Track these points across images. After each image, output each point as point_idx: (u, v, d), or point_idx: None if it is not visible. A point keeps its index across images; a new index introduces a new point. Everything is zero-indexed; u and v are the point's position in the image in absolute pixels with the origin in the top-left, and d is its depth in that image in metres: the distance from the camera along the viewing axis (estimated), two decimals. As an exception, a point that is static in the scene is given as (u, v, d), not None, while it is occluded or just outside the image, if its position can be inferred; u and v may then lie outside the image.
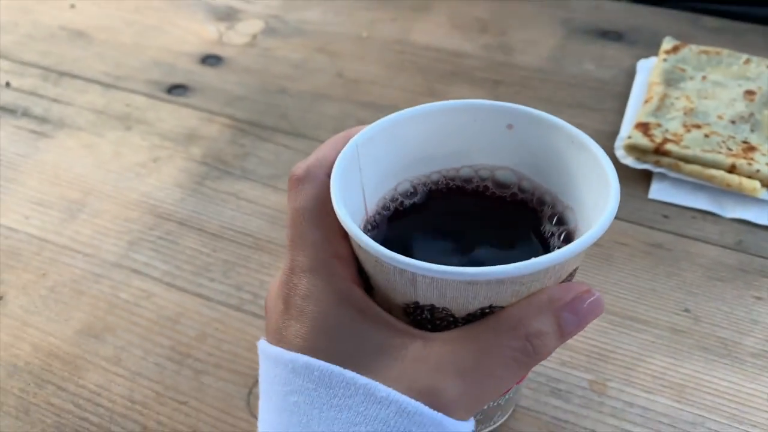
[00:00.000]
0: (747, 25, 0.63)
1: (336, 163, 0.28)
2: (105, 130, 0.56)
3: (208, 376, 0.38)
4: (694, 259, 0.43)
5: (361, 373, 0.24)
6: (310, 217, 0.27)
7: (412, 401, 0.23)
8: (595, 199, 0.27)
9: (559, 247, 0.28)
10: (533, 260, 0.23)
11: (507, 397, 0.32)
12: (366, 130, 0.29)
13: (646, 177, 0.49)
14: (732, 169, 0.46)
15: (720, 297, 0.41)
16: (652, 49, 0.60)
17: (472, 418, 0.25)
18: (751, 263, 0.43)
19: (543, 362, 0.37)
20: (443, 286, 0.24)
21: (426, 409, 0.23)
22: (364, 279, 0.28)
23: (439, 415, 0.23)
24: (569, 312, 0.24)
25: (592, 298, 0.25)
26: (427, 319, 0.26)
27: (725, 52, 0.57)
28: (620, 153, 0.49)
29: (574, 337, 0.39)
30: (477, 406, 0.25)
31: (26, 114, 0.58)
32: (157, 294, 0.43)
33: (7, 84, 0.61)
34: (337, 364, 0.24)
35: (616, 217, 0.45)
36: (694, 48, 0.58)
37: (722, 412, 0.36)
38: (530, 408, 0.36)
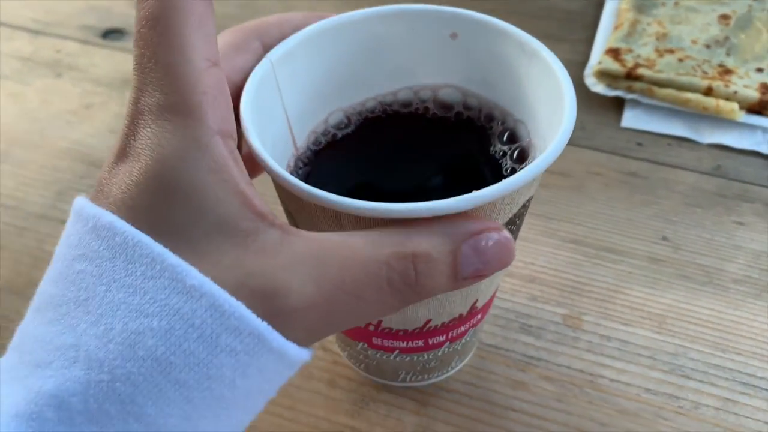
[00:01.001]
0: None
1: (248, 81, 0.23)
2: (32, 78, 0.51)
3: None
4: (671, 186, 0.40)
5: (184, 253, 0.18)
6: (164, 29, 0.19)
7: (232, 299, 0.17)
8: (549, 114, 0.23)
9: (512, 169, 0.25)
10: (474, 193, 0.19)
11: (464, 340, 0.29)
12: (282, 44, 0.24)
13: (618, 104, 0.45)
14: (708, 92, 0.43)
15: (700, 224, 0.38)
16: (621, -21, 0.57)
17: (311, 348, 0.20)
18: (730, 188, 0.40)
19: (510, 297, 0.35)
20: (371, 225, 0.20)
21: (248, 313, 0.17)
22: (287, 217, 0.23)
23: (263, 325, 0.17)
24: (470, 246, 0.19)
25: (500, 237, 0.19)
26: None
27: (698, -23, 0.54)
28: (590, 81, 0.46)
29: (545, 269, 0.36)
30: (325, 328, 0.19)
31: (-55, 64, 0.53)
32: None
33: (-76, 34, 0.56)
34: (158, 234, 0.18)
35: (587, 147, 0.41)
36: (666, -26, 0.54)
37: (705, 341, 0.33)
38: (498, 346, 0.33)
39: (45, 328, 0.18)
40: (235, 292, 0.17)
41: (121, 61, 0.52)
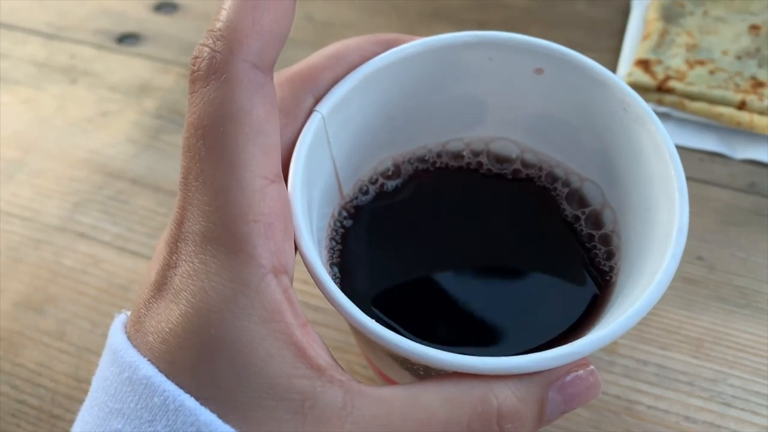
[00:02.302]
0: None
1: (297, 147, 0.20)
2: (47, 84, 0.50)
3: (165, 348, 0.33)
4: (705, 203, 0.39)
5: (233, 420, 0.15)
6: (212, 144, 0.16)
7: None
8: (642, 180, 0.20)
9: (590, 235, 0.22)
10: (564, 349, 0.17)
11: None
12: (334, 92, 0.21)
13: (648, 118, 0.44)
14: (742, 106, 0.42)
15: (735, 243, 0.37)
16: (645, -14, 0.56)
17: None
18: (766, 206, 0.39)
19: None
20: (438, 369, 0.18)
21: None
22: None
23: None
24: (556, 390, 0.17)
25: (587, 375, 0.17)
26: (421, 367, 0.20)
27: (726, -15, 0.53)
28: (619, 93, 0.45)
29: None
30: None
31: (-42, 68, 0.52)
32: (107, 259, 0.38)
33: (-63, 37, 0.55)
34: (202, 397, 0.15)
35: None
36: (693, -18, 0.53)
37: (745, 366, 0.32)
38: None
39: None
40: None
41: (137, 67, 0.51)
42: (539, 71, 0.22)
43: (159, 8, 0.57)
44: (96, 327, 0.35)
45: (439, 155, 0.25)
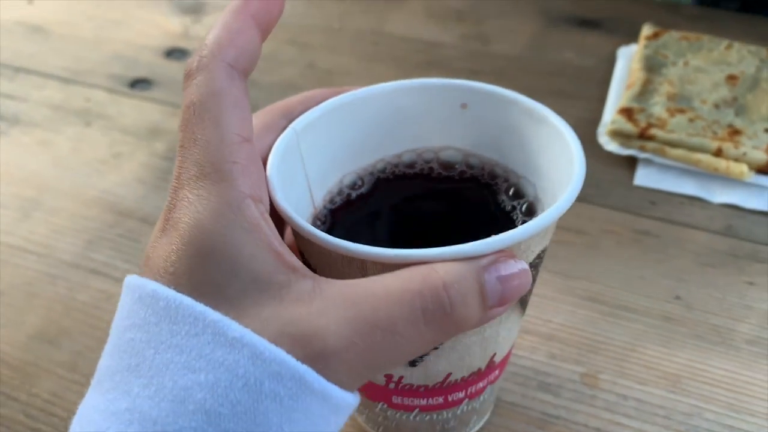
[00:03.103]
0: (725, 12, 0.63)
1: (273, 149, 0.25)
2: (63, 126, 0.53)
3: (172, 380, 0.35)
4: (684, 245, 0.42)
5: (225, 310, 0.19)
6: (201, 112, 0.21)
7: (272, 346, 0.18)
8: (559, 174, 0.25)
9: (524, 221, 0.27)
10: (493, 238, 0.21)
11: (482, 398, 0.30)
12: (306, 116, 0.27)
13: (631, 163, 0.47)
14: (718, 153, 0.45)
15: (712, 283, 0.39)
16: (631, 37, 0.59)
17: (357, 393, 0.21)
18: (741, 248, 0.41)
19: (530, 355, 0.36)
20: (396, 269, 0.21)
21: (288, 358, 0.18)
22: (311, 269, 0.25)
23: (304, 368, 0.18)
24: (491, 274, 0.20)
25: (516, 264, 0.21)
26: None
27: (705, 37, 0.56)
28: (604, 139, 0.48)
29: (564, 328, 0.37)
30: (367, 369, 0.20)
31: (-22, 111, 0.55)
32: (118, 295, 0.39)
33: (-41, 80, 0.58)
34: (198, 296, 0.19)
35: (602, 204, 0.43)
36: (675, 34, 0.56)
37: (719, 401, 0.34)
38: (517, 403, 0.34)
39: (102, 397, 0.19)
40: (275, 341, 0.18)
41: (148, 111, 0.54)
42: (464, 106, 0.28)
43: (169, 54, 0.60)
44: (106, 359, 0.37)
45: (396, 165, 0.30)
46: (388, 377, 0.27)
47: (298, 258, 0.21)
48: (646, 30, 0.57)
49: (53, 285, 0.41)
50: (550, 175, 0.26)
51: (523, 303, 0.27)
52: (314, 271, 0.24)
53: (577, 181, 0.23)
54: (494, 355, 0.27)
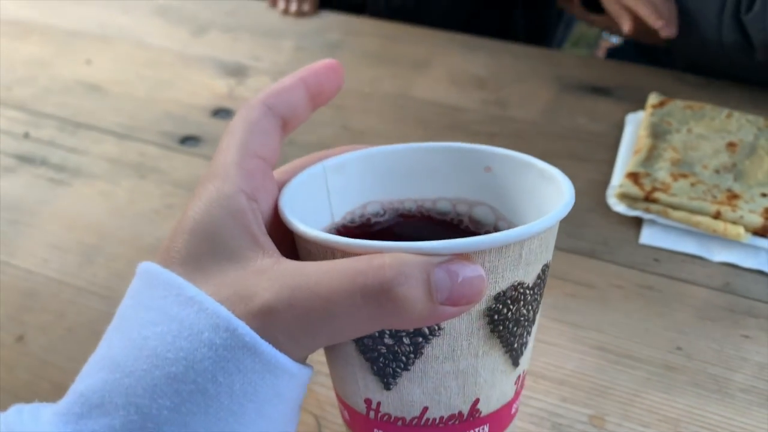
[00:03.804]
0: (727, 81, 0.68)
1: (297, 175, 0.28)
2: (120, 178, 0.58)
3: (221, 412, 0.40)
4: (685, 300, 0.46)
5: (195, 277, 0.22)
6: (229, 133, 0.25)
7: (215, 303, 0.21)
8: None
9: None
10: (452, 240, 0.21)
11: None
12: (339, 157, 0.29)
13: (637, 223, 0.51)
14: (717, 216, 0.49)
15: (710, 336, 0.43)
16: (639, 103, 0.64)
17: (308, 366, 0.23)
18: (738, 304, 0.45)
19: (544, 397, 0.39)
20: None
21: (224, 312, 0.21)
22: None
23: (237, 321, 0.21)
24: (442, 269, 0.21)
25: (472, 267, 0.21)
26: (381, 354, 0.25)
27: (708, 106, 0.61)
28: (612, 201, 0.52)
29: (575, 373, 0.41)
30: (304, 336, 0.22)
31: (44, 163, 0.60)
32: (172, 334, 0.44)
33: (26, 135, 0.64)
34: (178, 266, 0.23)
35: (610, 261, 0.46)
36: (679, 103, 0.61)
37: (716, 445, 0.37)
38: (533, 442, 0.37)
39: (95, 352, 0.24)
40: (225, 300, 0.22)
41: (197, 166, 0.59)
42: (488, 169, 0.30)
43: (216, 114, 0.66)
44: (162, 392, 0.41)
45: (427, 210, 0.31)
46: (368, 402, 0.27)
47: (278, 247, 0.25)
48: (653, 99, 0.62)
49: (114, 324, 0.45)
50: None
51: (506, 343, 0.26)
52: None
53: (559, 210, 0.24)
54: (477, 401, 0.26)
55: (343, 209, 0.30)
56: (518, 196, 0.30)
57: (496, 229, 0.30)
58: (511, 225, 0.30)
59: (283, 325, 0.21)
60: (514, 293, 0.24)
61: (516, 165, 0.30)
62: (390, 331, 0.23)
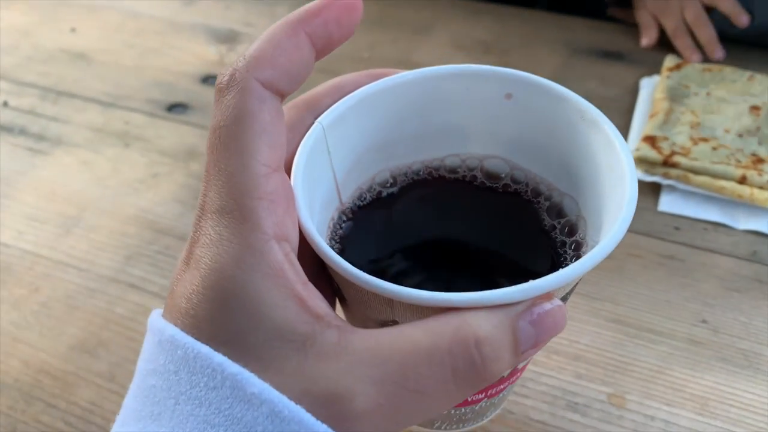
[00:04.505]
0: (745, 44, 0.64)
1: (299, 152, 0.23)
2: (103, 147, 0.55)
3: (206, 391, 0.36)
4: (709, 270, 0.42)
5: (246, 362, 0.18)
6: (227, 139, 0.19)
7: (291, 404, 0.17)
8: (606, 189, 0.23)
9: (562, 242, 0.25)
10: (533, 283, 0.19)
11: (501, 395, 0.29)
12: (333, 109, 0.24)
13: (656, 189, 0.48)
14: (742, 180, 0.46)
15: (737, 308, 0.40)
16: (653, 68, 0.60)
17: None
18: (767, 274, 0.42)
19: (557, 374, 0.36)
20: (426, 311, 0.20)
21: (308, 417, 0.17)
22: (335, 289, 0.23)
23: (324, 428, 0.17)
24: (526, 320, 0.19)
25: (552, 306, 0.19)
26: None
27: (728, 69, 0.57)
28: (628, 166, 0.48)
29: (590, 348, 0.38)
30: (392, 427, 0.18)
31: (23, 132, 0.57)
32: (155, 308, 0.41)
33: (5, 103, 0.60)
34: (217, 345, 0.18)
35: (627, 230, 0.42)
36: (697, 65, 0.58)
37: (747, 425, 0.34)
38: (546, 422, 0.34)
39: None
40: (299, 399, 0.17)
41: (185, 134, 0.56)
42: (509, 96, 0.25)
43: (206, 81, 0.63)
44: (143, 370, 0.38)
45: (437, 169, 0.28)
46: None
47: (317, 281, 0.21)
48: (669, 61, 0.59)
49: (93, 298, 0.42)
50: (597, 188, 0.24)
51: None
52: (340, 290, 0.23)
53: (627, 215, 0.21)
54: None
55: (350, 180, 0.26)
56: (544, 134, 0.25)
57: (513, 180, 0.27)
58: (528, 175, 0.27)
59: (372, 425, 0.18)
60: (572, 289, 0.23)
61: (545, 95, 0.25)
62: None
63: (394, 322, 0.21)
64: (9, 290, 0.43)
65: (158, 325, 0.19)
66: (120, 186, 0.51)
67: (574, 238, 0.25)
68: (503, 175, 0.27)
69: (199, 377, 0.18)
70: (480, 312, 0.19)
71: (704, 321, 0.39)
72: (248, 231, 0.19)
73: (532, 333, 0.19)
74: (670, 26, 0.62)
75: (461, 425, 0.31)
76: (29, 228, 0.47)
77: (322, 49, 0.21)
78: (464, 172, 0.27)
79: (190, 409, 0.18)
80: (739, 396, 0.35)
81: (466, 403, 0.28)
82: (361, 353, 0.18)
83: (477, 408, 0.29)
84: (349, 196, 0.26)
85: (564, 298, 0.23)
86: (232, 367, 0.18)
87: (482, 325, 0.18)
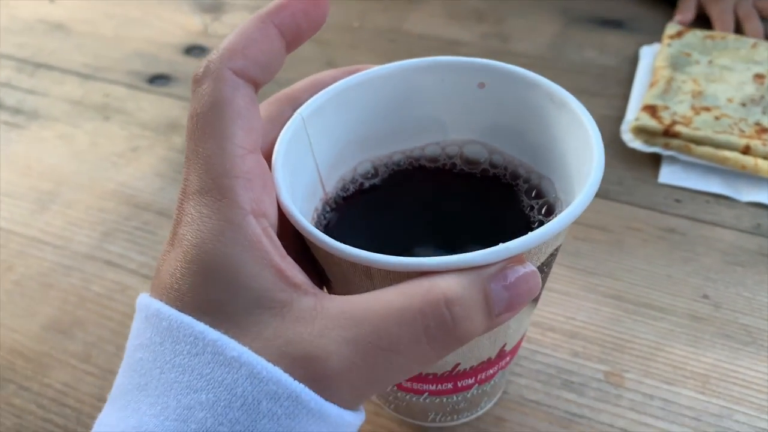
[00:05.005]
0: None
1: (279, 139, 0.24)
2: (81, 121, 0.53)
3: (186, 372, 0.35)
4: (711, 243, 0.40)
5: (227, 329, 0.19)
6: (203, 125, 0.21)
7: (269, 365, 0.18)
8: (578, 166, 0.24)
9: (540, 221, 0.25)
10: (503, 246, 0.19)
11: (493, 382, 0.29)
12: (313, 100, 0.25)
13: (656, 160, 0.46)
14: (746, 151, 0.44)
15: (740, 282, 0.38)
16: (653, 36, 0.58)
17: (362, 409, 0.21)
18: (771, 247, 0.40)
19: (552, 352, 0.35)
20: (401, 278, 0.20)
21: (285, 377, 0.18)
22: (318, 272, 0.24)
23: (300, 387, 0.18)
24: (498, 282, 0.19)
25: (525, 270, 0.20)
26: None
27: (731, 36, 0.55)
28: (627, 136, 0.47)
29: (587, 325, 0.36)
30: (368, 387, 0.19)
31: (-2, 105, 0.55)
32: (133, 286, 0.39)
33: (-20, 76, 0.58)
34: (200, 314, 0.19)
35: (626, 202, 0.42)
36: (699, 33, 0.55)
37: (750, 403, 0.33)
38: (541, 402, 0.33)
39: (115, 414, 0.19)
40: (277, 361, 0.18)
41: (166, 106, 0.54)
42: (482, 85, 0.26)
43: (188, 51, 0.60)
44: (120, 351, 0.36)
45: (417, 159, 0.28)
46: None
47: (300, 264, 0.21)
48: (670, 29, 0.56)
49: (68, 276, 0.40)
50: (570, 167, 0.25)
51: (537, 296, 0.26)
52: (321, 267, 0.23)
53: (594, 180, 0.21)
54: (504, 345, 0.26)
55: (334, 171, 0.27)
56: (518, 119, 0.26)
57: (492, 165, 0.28)
58: (506, 159, 0.28)
59: (349, 384, 0.19)
60: (551, 258, 0.23)
61: (516, 82, 0.26)
62: None
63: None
64: (-19, 268, 0.41)
65: (144, 301, 0.20)
66: (98, 160, 0.49)
67: (551, 217, 0.25)
68: (482, 161, 0.28)
69: (182, 345, 0.19)
70: (451, 275, 0.19)
71: (705, 296, 0.38)
72: (226, 207, 0.20)
73: (504, 296, 0.19)
74: (715, 11, 0.59)
75: (455, 417, 0.30)
76: (2, 204, 0.45)
77: (292, 41, 0.22)
78: (444, 160, 0.28)
79: (174, 376, 0.19)
80: (742, 373, 0.34)
81: (456, 390, 0.27)
82: (336, 317, 0.19)
83: (469, 395, 0.28)
84: (332, 186, 0.27)
85: (542, 270, 0.23)
86: (213, 333, 0.19)
87: (452, 285, 0.19)
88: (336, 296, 0.20)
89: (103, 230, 0.43)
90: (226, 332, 0.19)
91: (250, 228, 0.20)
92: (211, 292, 0.19)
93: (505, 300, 0.20)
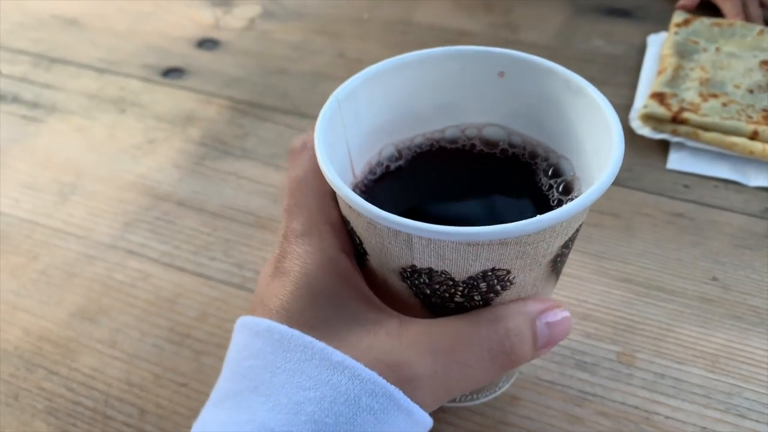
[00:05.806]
0: None
1: (318, 120, 0.25)
2: (98, 114, 0.54)
3: (209, 356, 0.36)
4: (720, 227, 0.41)
5: (330, 341, 0.23)
6: (306, 185, 0.26)
7: (367, 369, 0.22)
8: (596, 147, 0.25)
9: (559, 200, 0.26)
10: (538, 218, 0.21)
11: None
12: (347, 84, 0.27)
13: (664, 147, 0.47)
14: (754, 136, 0.44)
15: (749, 265, 0.39)
16: (660, 25, 0.59)
17: (429, 416, 0.24)
18: (779, 231, 0.41)
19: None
20: (442, 248, 0.22)
21: (380, 379, 0.22)
22: (356, 245, 0.26)
23: (393, 388, 0.22)
24: (542, 322, 0.24)
25: (562, 314, 0.24)
26: (425, 283, 0.24)
27: (738, 24, 0.55)
28: (636, 124, 0.47)
29: (599, 308, 0.37)
30: (444, 393, 0.23)
31: (16, 100, 0.56)
32: (155, 274, 0.41)
33: (-3, 71, 0.59)
34: (307, 330, 0.23)
35: (635, 188, 0.42)
36: (706, 20, 0.56)
37: (759, 381, 0.33)
38: (555, 381, 0.34)
39: (225, 413, 0.22)
40: (372, 366, 0.22)
41: (181, 99, 0.55)
42: (501, 74, 0.28)
43: (201, 45, 0.61)
44: (145, 336, 0.37)
45: (438, 141, 0.30)
46: None
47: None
48: (677, 17, 0.57)
49: (92, 265, 0.41)
50: (587, 149, 0.26)
51: (559, 273, 0.27)
52: (361, 244, 0.25)
53: (616, 158, 0.23)
54: None
55: (361, 155, 0.28)
56: (536, 106, 0.28)
57: (510, 145, 0.29)
58: (525, 139, 0.29)
59: (430, 388, 0.23)
60: (576, 233, 0.24)
61: (534, 70, 0.27)
62: (462, 290, 0.24)
63: (413, 269, 0.23)
64: (7, 259, 0.42)
65: (252, 321, 0.24)
66: (116, 152, 0.50)
67: (570, 196, 0.27)
68: (501, 141, 0.29)
69: (293, 353, 0.22)
70: (507, 311, 0.24)
71: (715, 279, 0.38)
72: (326, 246, 0.25)
73: (546, 333, 0.24)
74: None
75: (475, 396, 0.31)
76: (25, 196, 0.47)
77: None
78: (464, 141, 0.30)
79: (284, 378, 0.22)
80: (751, 352, 0.35)
81: None
82: (418, 334, 0.23)
83: None
84: (360, 170, 0.28)
85: (568, 245, 0.24)
86: (320, 343, 0.22)
87: (510, 321, 0.23)
88: (416, 319, 0.24)
89: (124, 220, 0.44)
90: (329, 344, 0.22)
91: (344, 263, 0.25)
92: (317, 311, 0.24)
93: (546, 336, 0.24)
